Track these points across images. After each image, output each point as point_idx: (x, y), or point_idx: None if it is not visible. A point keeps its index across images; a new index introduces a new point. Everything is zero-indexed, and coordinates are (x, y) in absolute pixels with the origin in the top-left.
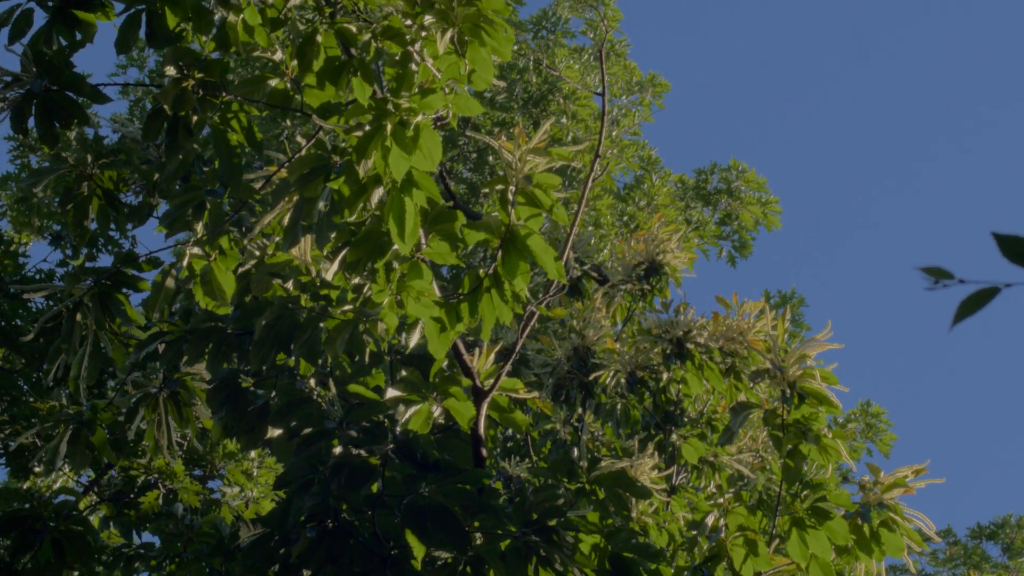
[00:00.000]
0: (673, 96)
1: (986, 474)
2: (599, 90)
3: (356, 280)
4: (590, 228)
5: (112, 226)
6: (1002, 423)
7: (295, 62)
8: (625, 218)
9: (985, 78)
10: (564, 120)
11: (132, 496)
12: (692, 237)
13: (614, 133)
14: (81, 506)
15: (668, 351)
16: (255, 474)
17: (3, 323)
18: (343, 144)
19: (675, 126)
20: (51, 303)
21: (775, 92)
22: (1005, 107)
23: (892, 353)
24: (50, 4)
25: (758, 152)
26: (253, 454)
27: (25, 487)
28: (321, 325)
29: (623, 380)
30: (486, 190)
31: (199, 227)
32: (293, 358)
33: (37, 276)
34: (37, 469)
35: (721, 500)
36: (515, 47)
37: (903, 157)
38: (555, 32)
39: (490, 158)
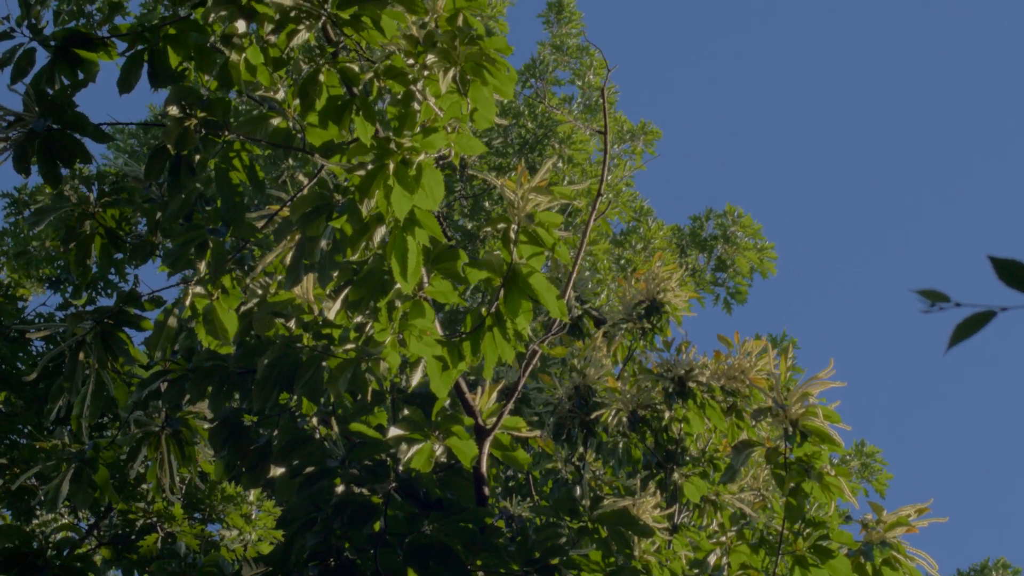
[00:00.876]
0: (665, 142)
1: (977, 514)
2: (600, 128)
3: (358, 319)
4: (587, 272)
5: (112, 270)
6: (993, 465)
7: (297, 101)
8: (622, 262)
9: (978, 120)
10: (560, 164)
11: (132, 539)
12: (689, 282)
13: (608, 177)
14: (81, 550)
15: (670, 390)
16: (254, 517)
17: (3, 367)
18: (345, 183)
19: (668, 172)
20: (51, 346)
21: (768, 133)
22: (1002, 150)
23: (887, 393)
24: (52, 44)
25: (751, 192)
26: (252, 497)
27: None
28: (323, 364)
29: (625, 419)
30: (487, 229)
31: (201, 266)
32: (295, 397)
33: (37, 320)
34: (39, 512)
35: (723, 539)
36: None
37: (896, 196)
38: (544, 80)
39: (486, 203)
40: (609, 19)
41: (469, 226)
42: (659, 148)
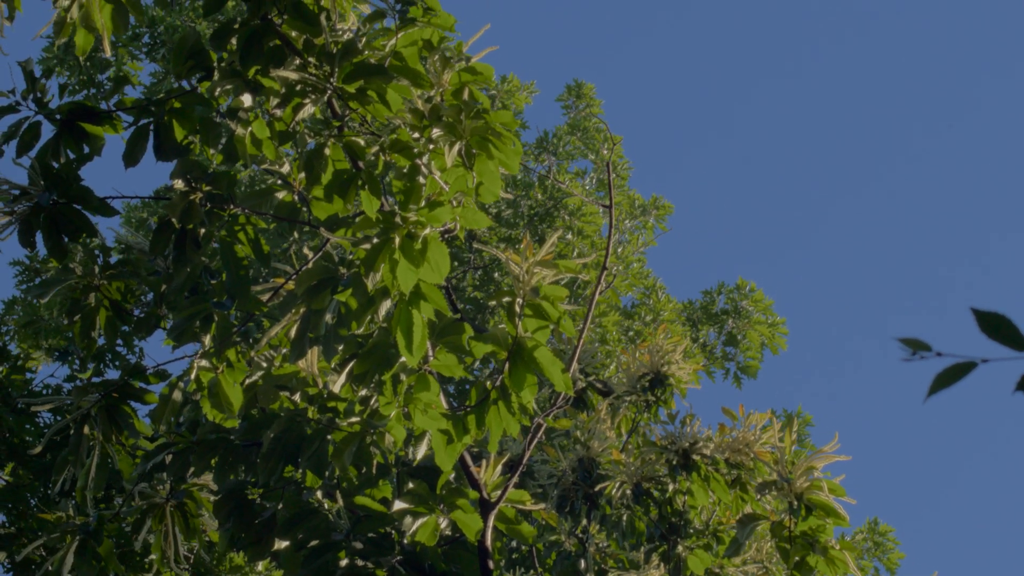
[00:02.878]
0: (677, 215)
1: None
2: (606, 202)
3: (363, 392)
4: (596, 344)
5: (118, 341)
6: (1011, 550)
7: (303, 174)
8: (631, 334)
9: (995, 195)
10: (570, 236)
11: None
12: (697, 355)
13: (619, 250)
14: None
15: (674, 462)
16: None
17: (11, 438)
18: (350, 256)
19: (681, 244)
20: (58, 417)
21: (781, 207)
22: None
23: (901, 471)
24: (58, 117)
25: (763, 266)
26: (260, 567)
27: None
28: (328, 437)
29: (628, 491)
30: (493, 303)
31: (207, 339)
32: (300, 470)
33: (44, 391)
34: None
35: None
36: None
37: (910, 273)
38: (556, 154)
39: (496, 274)
40: (624, 97)
41: (479, 297)
42: (671, 222)
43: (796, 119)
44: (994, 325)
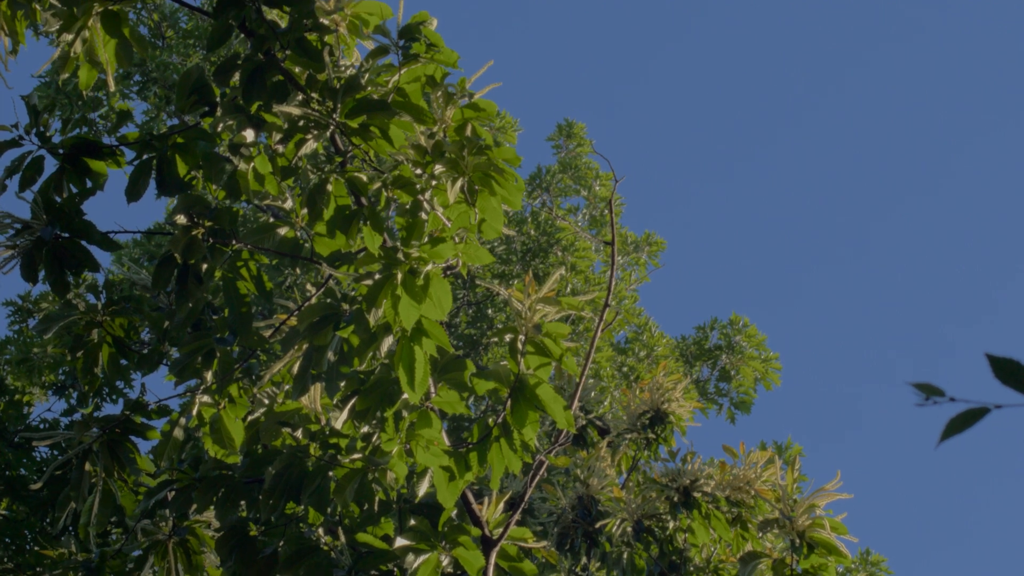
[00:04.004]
0: (670, 251)
1: None
2: (606, 239)
3: (365, 429)
4: (591, 380)
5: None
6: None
7: (305, 210)
8: (625, 369)
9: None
10: (564, 272)
11: None
12: (693, 394)
13: (613, 286)
14: None
15: (674, 499)
16: None
17: (8, 473)
18: (353, 292)
19: (673, 280)
20: (55, 452)
21: (773, 243)
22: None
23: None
24: (60, 152)
25: (755, 300)
26: None
27: None
28: (330, 474)
29: (629, 528)
30: (494, 339)
31: (208, 375)
32: (302, 507)
33: (41, 426)
34: None
35: None
36: None
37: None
38: (550, 191)
39: (489, 311)
40: (615, 133)
41: (472, 334)
42: (663, 258)
43: (791, 153)
44: (1008, 371)
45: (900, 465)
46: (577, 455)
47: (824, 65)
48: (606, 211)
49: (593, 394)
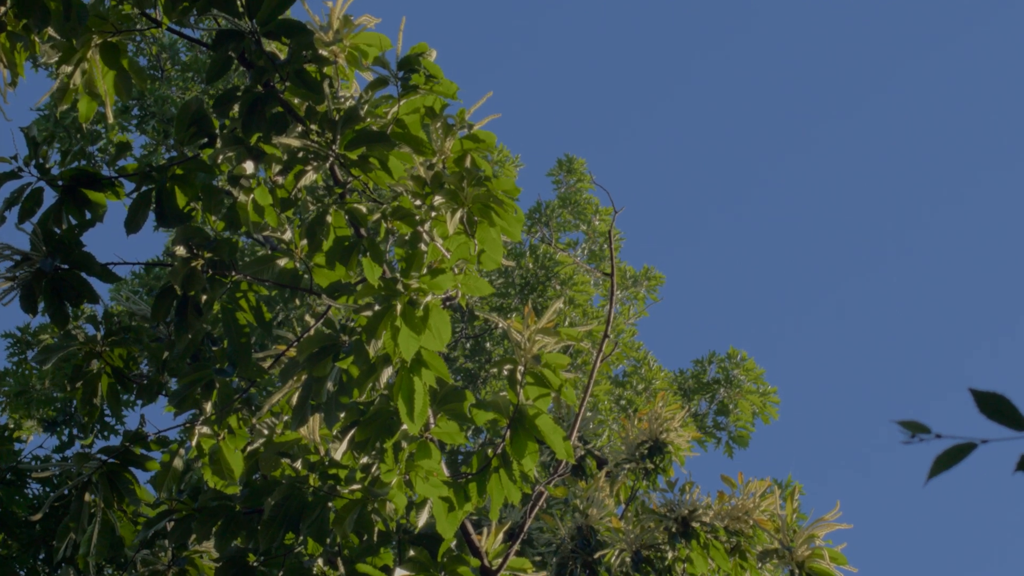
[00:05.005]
0: (668, 285)
1: None
2: (606, 272)
3: (365, 459)
4: (589, 413)
5: (108, 412)
6: None
7: (304, 241)
8: (623, 403)
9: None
10: (562, 305)
11: None
12: (692, 427)
13: (613, 317)
14: None
15: (673, 530)
16: None
17: (0, 509)
18: (352, 324)
19: (671, 314)
20: (48, 488)
21: (772, 277)
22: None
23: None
24: (60, 184)
25: (753, 333)
26: None
27: None
28: (330, 504)
29: (628, 559)
30: (493, 370)
31: (208, 406)
32: (301, 537)
33: (33, 463)
34: None
35: None
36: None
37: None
38: (549, 226)
39: (487, 344)
40: (613, 168)
41: (471, 368)
42: (662, 292)
43: (789, 187)
44: (993, 405)
45: (900, 499)
46: (576, 485)
47: (820, 103)
48: (605, 246)
49: (591, 426)
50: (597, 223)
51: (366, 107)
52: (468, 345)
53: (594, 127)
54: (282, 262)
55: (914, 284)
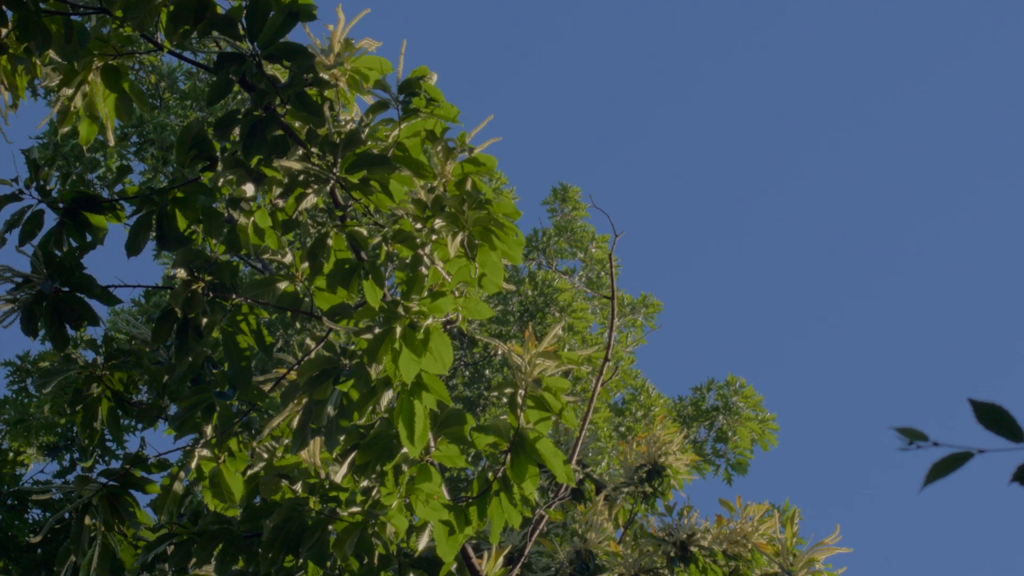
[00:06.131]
0: (666, 312)
1: None
2: (605, 294)
3: (365, 483)
4: (587, 435)
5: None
6: None
7: (305, 264)
8: (622, 429)
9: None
10: (561, 332)
11: None
12: (689, 449)
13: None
14: None
15: (672, 554)
16: None
17: (0, 533)
18: (352, 347)
19: (670, 341)
20: (48, 513)
21: (770, 304)
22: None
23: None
24: (61, 206)
25: (752, 360)
26: None
27: None
28: (330, 527)
29: None
30: (493, 394)
31: (208, 429)
32: (302, 560)
33: (34, 487)
34: None
35: None
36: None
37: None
38: (547, 253)
39: (487, 371)
40: (606, 197)
41: (471, 396)
42: (660, 319)
43: (787, 215)
44: (991, 416)
45: (900, 527)
46: (575, 509)
47: (815, 129)
48: (602, 274)
49: (590, 453)
50: (594, 251)
51: (367, 130)
52: (467, 373)
53: (588, 155)
54: (283, 285)
55: (913, 309)
